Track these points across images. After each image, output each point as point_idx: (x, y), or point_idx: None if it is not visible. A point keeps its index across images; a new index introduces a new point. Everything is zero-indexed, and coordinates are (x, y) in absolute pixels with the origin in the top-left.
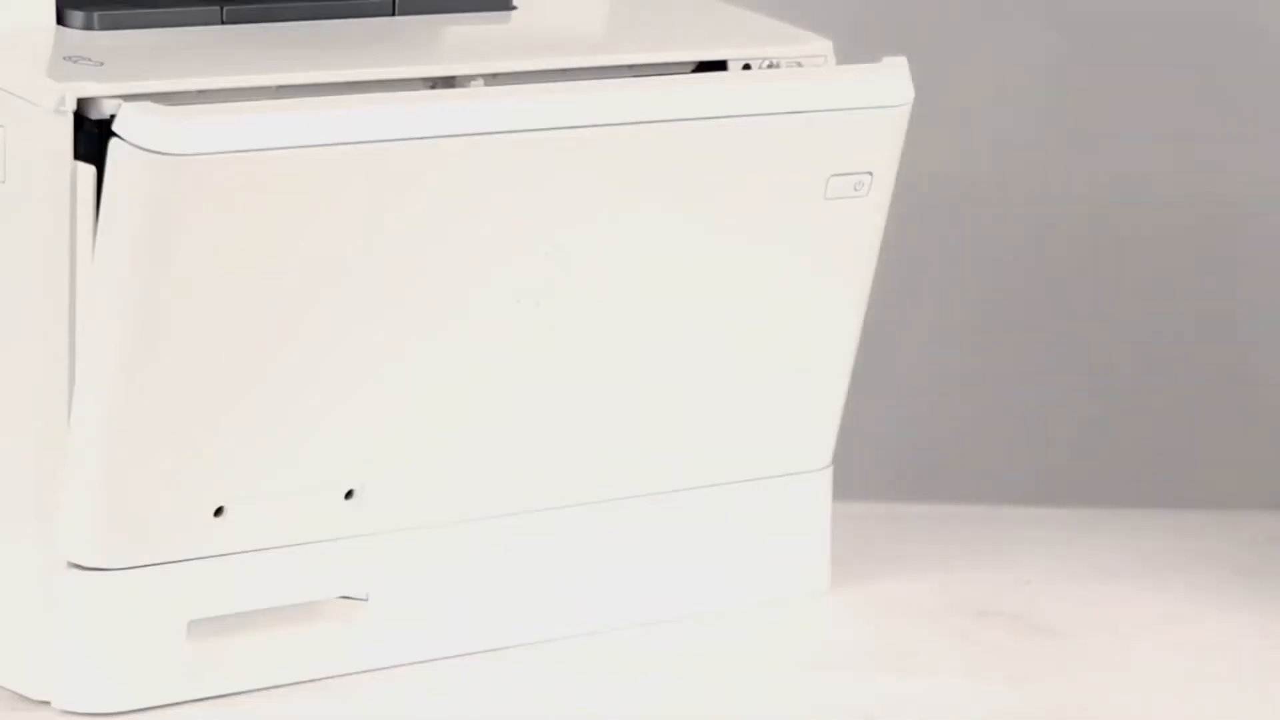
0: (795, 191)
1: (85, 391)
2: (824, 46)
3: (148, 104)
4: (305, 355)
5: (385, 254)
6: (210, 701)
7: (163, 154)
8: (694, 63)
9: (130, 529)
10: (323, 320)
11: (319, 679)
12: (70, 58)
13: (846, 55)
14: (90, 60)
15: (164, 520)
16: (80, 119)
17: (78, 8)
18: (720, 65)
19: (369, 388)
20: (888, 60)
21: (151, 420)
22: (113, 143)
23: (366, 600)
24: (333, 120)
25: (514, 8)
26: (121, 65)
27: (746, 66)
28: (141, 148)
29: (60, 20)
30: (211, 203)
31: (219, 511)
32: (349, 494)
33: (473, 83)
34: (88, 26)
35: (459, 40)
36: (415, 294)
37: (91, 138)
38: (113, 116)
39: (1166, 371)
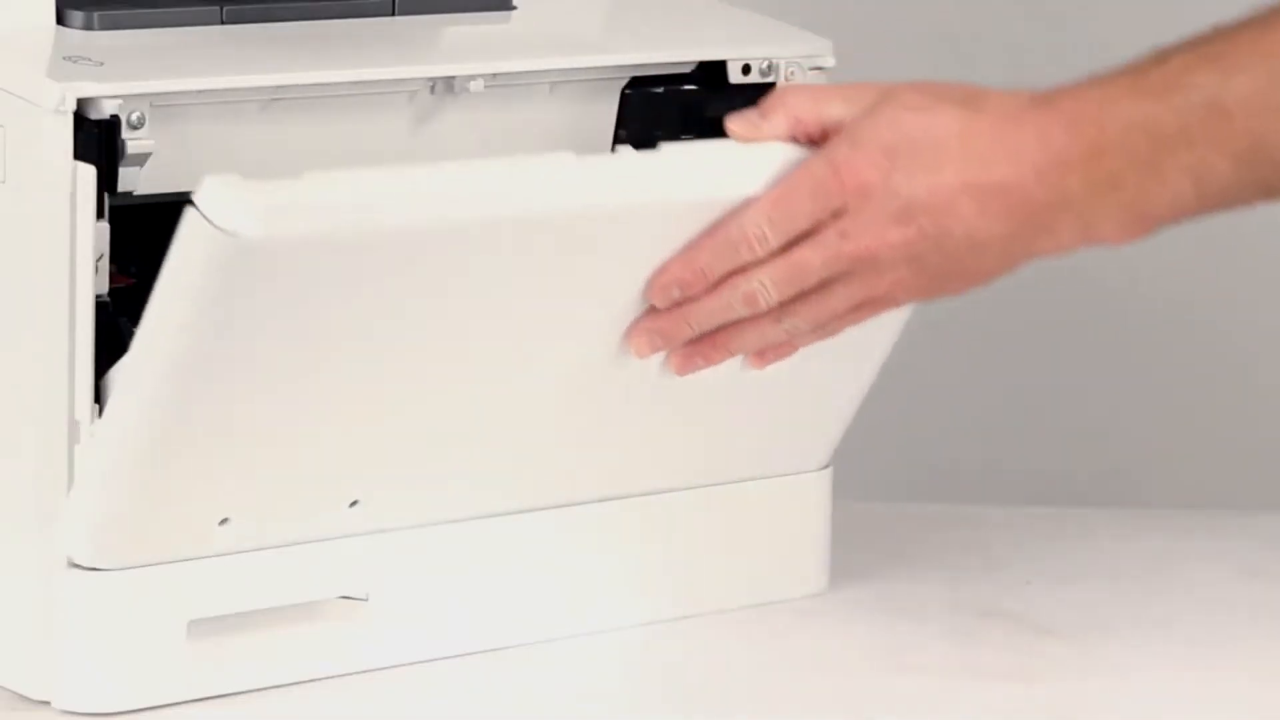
0: None
1: (113, 414)
2: (824, 46)
3: (232, 179)
4: (324, 395)
5: (418, 326)
6: (210, 701)
7: (238, 236)
8: (694, 62)
9: (134, 535)
10: (346, 372)
11: (319, 679)
12: (70, 58)
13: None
14: (90, 60)
15: (168, 529)
16: (80, 119)
17: (78, 8)
18: (720, 65)
19: (380, 413)
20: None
21: (170, 443)
22: (189, 212)
23: (366, 600)
24: (415, 202)
25: (514, 8)
26: (121, 65)
27: (746, 67)
28: (219, 227)
29: (60, 20)
30: (273, 281)
31: (224, 521)
32: (353, 503)
33: (472, 83)
34: (88, 26)
35: (459, 40)
36: (435, 349)
37: (91, 138)
38: (114, 116)
39: (1167, 371)
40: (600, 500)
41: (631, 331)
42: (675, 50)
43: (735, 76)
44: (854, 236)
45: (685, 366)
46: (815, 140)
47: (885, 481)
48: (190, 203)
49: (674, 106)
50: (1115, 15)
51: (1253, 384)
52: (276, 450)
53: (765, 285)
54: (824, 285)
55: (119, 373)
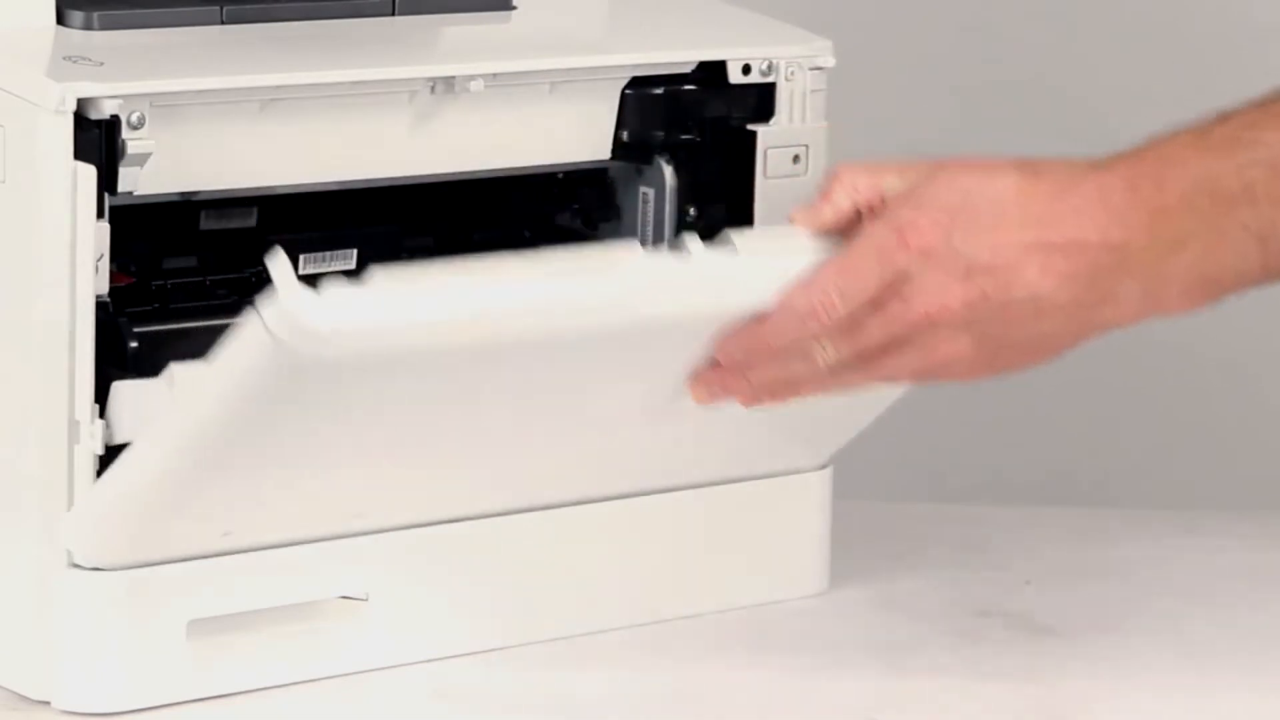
0: None
1: (134, 450)
2: (824, 46)
3: (304, 294)
4: (348, 455)
5: (460, 417)
6: (210, 701)
7: (298, 354)
8: (694, 62)
9: (135, 536)
10: (374, 444)
11: (319, 679)
12: (70, 58)
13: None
14: (90, 60)
15: (171, 535)
16: (80, 119)
17: (78, 8)
18: (720, 65)
19: (400, 466)
20: None
21: (186, 479)
22: (251, 317)
23: (366, 600)
24: (478, 321)
25: (514, 8)
26: (121, 65)
27: (746, 67)
28: (280, 340)
29: (60, 20)
30: (324, 384)
31: (226, 534)
32: (356, 515)
33: (472, 83)
34: (88, 26)
35: (459, 40)
36: (471, 430)
37: (91, 138)
38: (114, 116)
39: (1166, 371)
40: (600, 500)
41: (692, 381)
42: (675, 50)
43: (735, 76)
44: (914, 301)
45: (750, 403)
46: (875, 212)
47: (885, 481)
48: (253, 305)
49: (674, 106)
50: (1116, 12)
51: (1252, 384)
52: (290, 486)
53: (825, 348)
54: (883, 350)
55: (126, 390)
